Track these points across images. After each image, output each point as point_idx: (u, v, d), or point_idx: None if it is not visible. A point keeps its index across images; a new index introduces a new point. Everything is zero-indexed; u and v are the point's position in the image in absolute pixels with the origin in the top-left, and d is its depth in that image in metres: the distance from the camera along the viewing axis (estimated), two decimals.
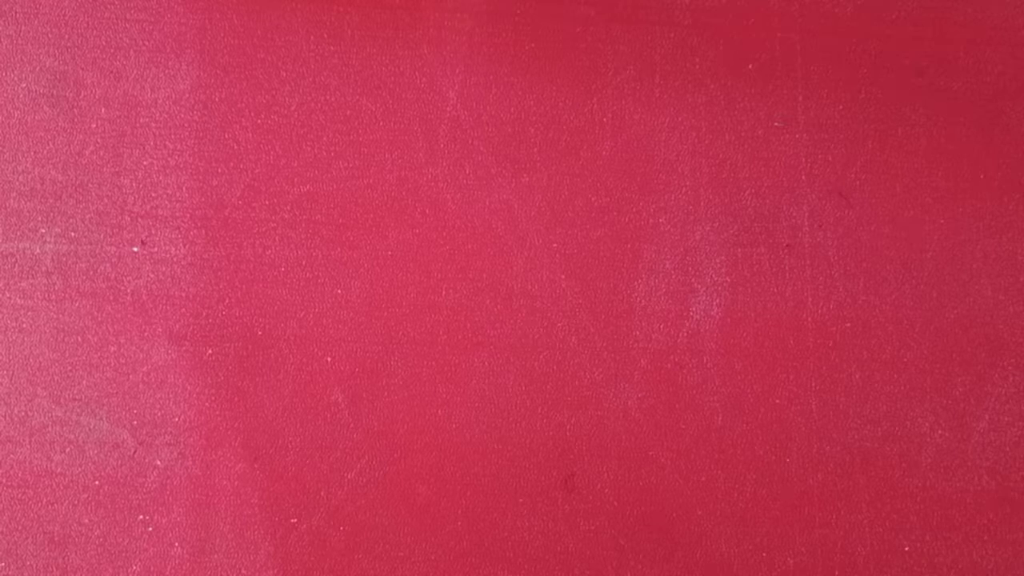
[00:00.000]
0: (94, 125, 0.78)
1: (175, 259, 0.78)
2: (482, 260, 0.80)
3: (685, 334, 0.81)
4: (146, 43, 0.79)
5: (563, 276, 0.80)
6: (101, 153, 0.78)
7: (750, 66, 0.83)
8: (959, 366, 0.82)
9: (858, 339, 0.81)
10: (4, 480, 0.76)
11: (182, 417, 0.77)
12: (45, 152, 0.78)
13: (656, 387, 0.80)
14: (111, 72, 0.79)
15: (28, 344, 0.76)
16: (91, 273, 0.77)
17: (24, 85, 0.78)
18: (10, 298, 0.77)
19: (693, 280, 0.81)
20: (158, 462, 0.76)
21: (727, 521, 0.79)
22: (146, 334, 0.77)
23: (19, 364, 0.76)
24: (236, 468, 0.77)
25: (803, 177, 0.83)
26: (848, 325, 0.81)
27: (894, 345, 0.81)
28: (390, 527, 0.77)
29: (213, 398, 0.77)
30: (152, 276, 0.78)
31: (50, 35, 0.79)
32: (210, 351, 0.77)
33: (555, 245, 0.81)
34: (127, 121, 0.79)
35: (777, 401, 0.81)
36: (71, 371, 0.76)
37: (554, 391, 0.79)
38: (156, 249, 0.78)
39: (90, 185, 0.78)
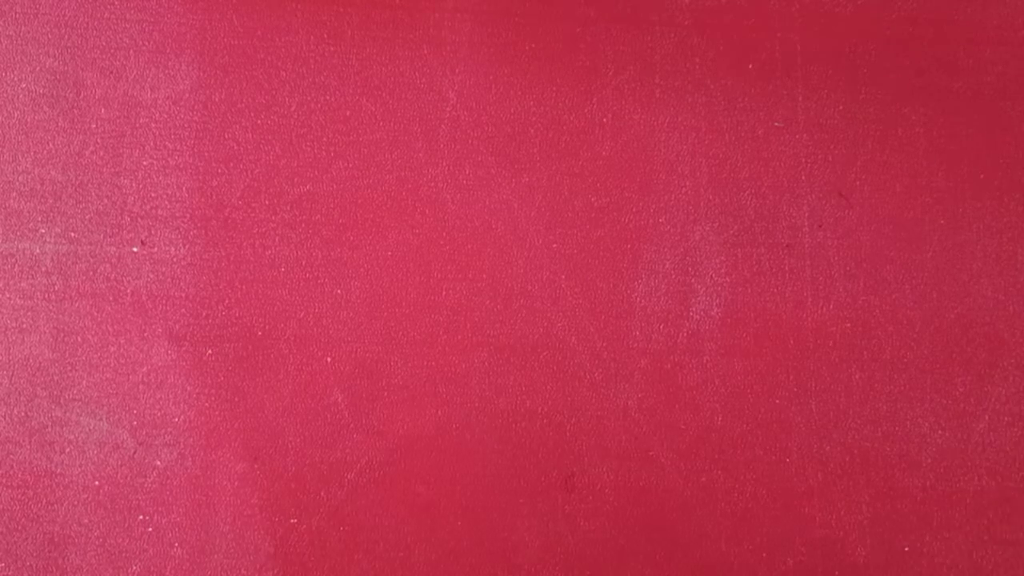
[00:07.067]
0: (94, 125, 0.78)
1: (175, 259, 0.78)
2: (482, 260, 0.80)
3: (685, 334, 0.81)
4: (146, 43, 0.79)
5: (563, 276, 0.80)
6: (101, 153, 0.78)
7: (750, 66, 0.83)
8: (959, 366, 0.82)
9: (858, 339, 0.81)
10: (4, 480, 0.76)
11: (182, 417, 0.77)
12: (45, 152, 0.78)
13: (656, 387, 0.80)
14: (111, 72, 0.79)
15: (28, 344, 0.76)
16: (91, 273, 0.77)
17: (24, 85, 0.78)
18: (10, 298, 0.77)
19: (693, 280, 0.81)
20: (158, 462, 0.76)
21: (727, 521, 0.79)
22: (146, 334, 0.77)
23: (19, 364, 0.76)
24: (236, 468, 0.77)
25: (803, 177, 0.83)
26: (848, 325, 0.81)
27: (894, 345, 0.81)
28: (390, 527, 0.77)
29: (213, 398, 0.77)
30: (152, 276, 0.78)
31: (50, 35, 0.79)
32: (210, 351, 0.77)
33: (555, 245, 0.81)
34: (127, 121, 0.79)
35: (777, 401, 0.81)
36: (71, 371, 0.76)
37: (554, 391, 0.79)
38: (156, 249, 0.78)
39: (90, 185, 0.78)
